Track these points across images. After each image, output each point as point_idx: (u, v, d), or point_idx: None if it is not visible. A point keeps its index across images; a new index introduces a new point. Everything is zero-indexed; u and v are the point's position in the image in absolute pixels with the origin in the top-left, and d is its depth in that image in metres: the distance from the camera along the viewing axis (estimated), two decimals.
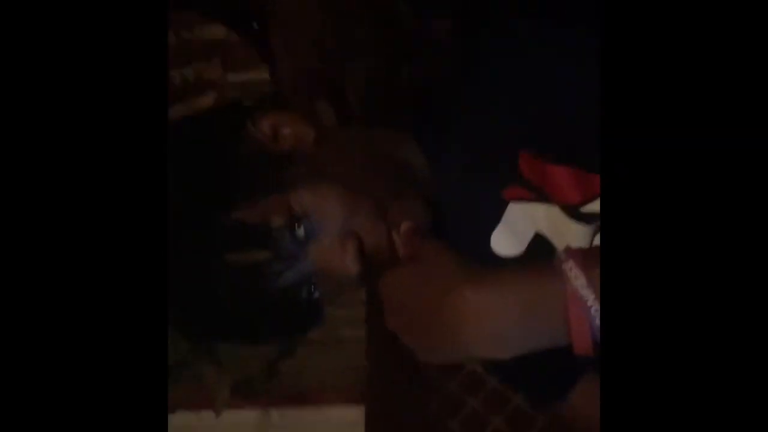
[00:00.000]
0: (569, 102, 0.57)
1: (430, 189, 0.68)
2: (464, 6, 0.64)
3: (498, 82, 0.62)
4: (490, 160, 0.63)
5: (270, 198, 0.63)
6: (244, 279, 0.62)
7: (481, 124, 0.63)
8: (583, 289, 0.47)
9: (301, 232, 0.62)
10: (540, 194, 0.62)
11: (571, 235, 0.62)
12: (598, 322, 0.46)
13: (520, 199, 0.64)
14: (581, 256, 0.49)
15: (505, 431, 1.25)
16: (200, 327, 0.67)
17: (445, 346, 0.52)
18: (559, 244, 0.64)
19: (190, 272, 0.61)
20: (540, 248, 0.64)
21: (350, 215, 0.63)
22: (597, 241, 0.62)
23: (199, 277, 0.62)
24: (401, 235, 0.62)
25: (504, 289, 0.49)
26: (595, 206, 0.61)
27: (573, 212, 0.62)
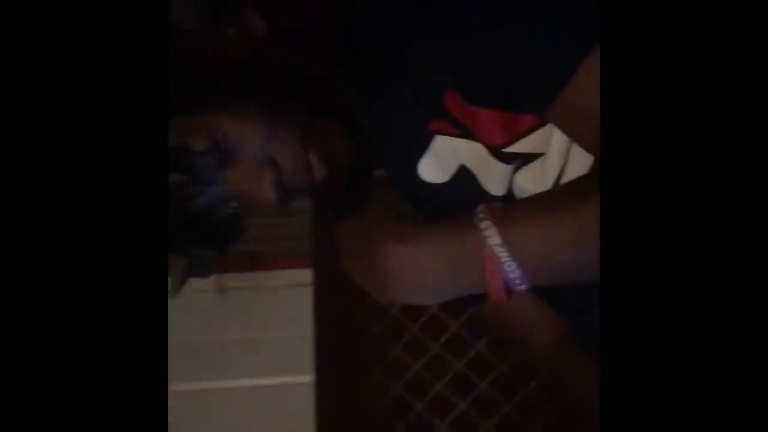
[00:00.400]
0: (496, 46, 0.58)
1: (359, 121, 0.70)
2: None
3: (431, 27, 0.62)
4: (420, 93, 0.65)
5: (189, 119, 0.63)
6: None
7: (412, 63, 0.64)
8: (497, 247, 0.52)
9: (218, 156, 0.63)
10: (465, 131, 0.65)
11: (494, 172, 0.66)
12: (512, 275, 0.52)
13: (446, 133, 0.66)
14: (497, 214, 0.53)
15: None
16: None
17: (379, 291, 0.57)
18: (482, 178, 0.67)
19: None
20: (465, 181, 0.67)
21: (269, 140, 0.64)
22: (517, 179, 0.65)
23: None
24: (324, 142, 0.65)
25: (426, 245, 0.55)
26: (516, 147, 0.63)
27: (496, 152, 0.64)
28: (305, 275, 1.20)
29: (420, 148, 0.68)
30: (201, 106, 0.64)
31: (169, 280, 0.92)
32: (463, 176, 0.68)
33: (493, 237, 0.52)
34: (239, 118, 0.64)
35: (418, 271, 0.54)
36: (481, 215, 0.53)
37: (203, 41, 0.68)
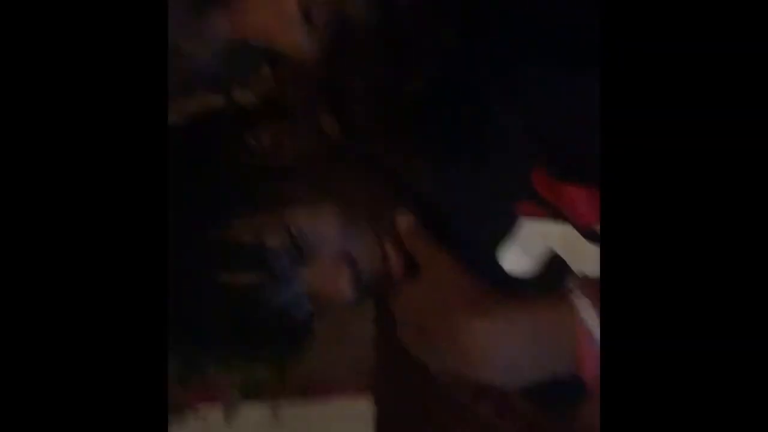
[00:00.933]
0: (581, 121, 0.55)
1: (433, 199, 0.67)
2: (470, 16, 0.61)
3: (509, 96, 0.61)
4: (502, 174, 0.62)
5: (265, 215, 0.61)
6: (237, 299, 0.61)
7: (491, 138, 0.62)
8: (591, 320, 0.48)
9: (295, 253, 0.61)
10: (554, 212, 0.61)
11: (586, 255, 0.61)
12: None
13: (533, 215, 0.62)
14: (590, 286, 0.49)
15: None
16: (194, 345, 0.66)
17: (454, 368, 0.53)
18: (574, 263, 0.62)
19: (184, 290, 0.60)
20: (554, 267, 0.63)
21: (346, 235, 0.62)
22: None
23: (193, 295, 0.61)
24: (402, 235, 0.62)
25: (513, 319, 0.51)
26: None
27: (588, 232, 0.60)
28: (366, 407, 1.13)
29: (503, 233, 0.64)
30: (276, 201, 0.63)
31: (222, 404, 0.87)
32: (551, 261, 0.63)
33: (588, 313, 0.47)
34: (315, 213, 0.62)
35: (500, 348, 0.50)
36: (574, 289, 0.49)
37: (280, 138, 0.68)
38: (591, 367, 0.48)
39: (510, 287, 0.65)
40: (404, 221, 0.64)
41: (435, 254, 0.63)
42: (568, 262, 0.62)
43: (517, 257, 0.64)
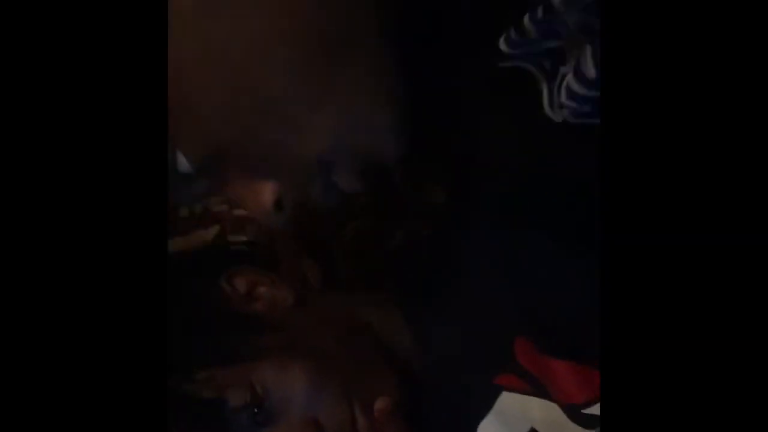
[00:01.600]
0: (573, 293, 0.53)
1: (412, 366, 0.63)
2: (458, 178, 0.61)
3: (495, 259, 0.58)
4: (484, 341, 0.58)
5: (230, 369, 0.58)
6: None
7: (475, 301, 0.59)
8: None
9: (257, 414, 0.57)
10: (537, 387, 0.56)
11: None
12: None
13: (515, 389, 0.58)
14: None
15: None
16: None
17: None
18: None
19: None
20: None
21: (315, 396, 0.58)
22: None
23: None
24: (376, 416, 0.58)
25: None
26: (597, 408, 0.55)
27: (573, 413, 0.55)
28: None
29: (483, 405, 0.59)
30: (244, 355, 0.59)
31: None
32: None
33: None
34: (286, 371, 0.59)
35: None
36: None
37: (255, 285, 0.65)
38: None
39: None
40: (381, 402, 0.59)
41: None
42: None
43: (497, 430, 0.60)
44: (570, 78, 0.44)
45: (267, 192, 0.48)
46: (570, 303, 0.53)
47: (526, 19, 0.42)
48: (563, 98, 0.45)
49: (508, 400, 0.58)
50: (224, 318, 0.61)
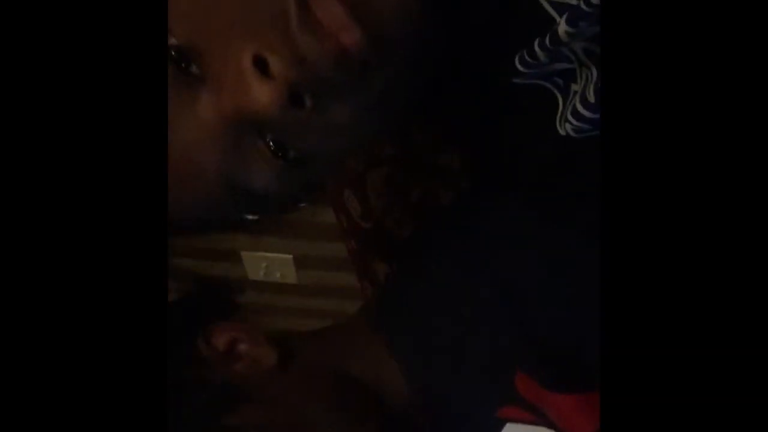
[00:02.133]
0: (570, 323, 0.51)
1: (406, 412, 0.57)
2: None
3: (499, 288, 0.54)
4: (484, 376, 0.55)
5: None
6: None
7: (473, 335, 0.55)
8: None
9: None
10: (542, 418, 0.53)
11: None
12: None
13: (519, 420, 0.55)
14: None
15: None
16: None
17: None
18: None
19: None
20: None
21: None
22: None
23: None
24: None
25: None
26: None
27: None
28: None
29: None
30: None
31: None
32: None
33: None
34: None
35: None
36: None
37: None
38: None
39: None
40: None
41: None
42: None
43: None
44: (578, 98, 0.45)
45: None
46: (569, 328, 0.51)
47: (535, 45, 0.44)
48: (569, 115, 0.46)
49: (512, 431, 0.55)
50: (198, 389, 0.55)
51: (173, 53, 0.42)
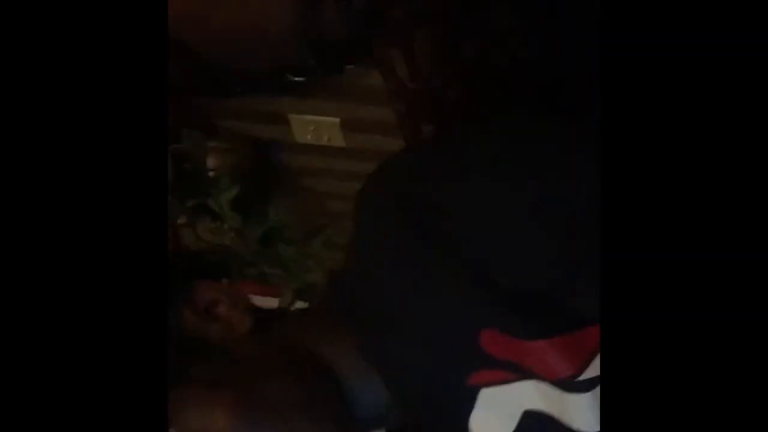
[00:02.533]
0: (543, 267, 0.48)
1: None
2: None
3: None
4: (447, 344, 0.52)
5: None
6: None
7: (433, 301, 0.52)
8: None
9: None
10: (518, 371, 0.50)
11: (572, 408, 0.50)
12: None
13: (492, 382, 0.52)
14: None
15: None
16: None
17: None
18: (562, 417, 0.51)
19: None
20: (536, 423, 0.52)
21: None
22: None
23: None
24: None
25: None
26: (593, 370, 0.48)
27: (568, 385, 0.49)
28: None
29: (465, 408, 0.53)
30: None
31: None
32: (533, 421, 0.52)
33: None
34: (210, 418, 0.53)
35: None
36: None
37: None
38: None
39: None
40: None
41: None
42: (556, 418, 0.51)
43: (487, 426, 0.53)
44: None
45: None
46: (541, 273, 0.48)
47: None
48: None
49: (490, 396, 0.52)
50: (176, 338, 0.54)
51: None
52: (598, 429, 0.49)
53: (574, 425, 0.50)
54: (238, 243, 1.34)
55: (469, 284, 0.49)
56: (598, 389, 0.49)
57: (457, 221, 0.50)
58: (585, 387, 0.48)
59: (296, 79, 0.84)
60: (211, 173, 1.29)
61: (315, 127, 1.22)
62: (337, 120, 1.19)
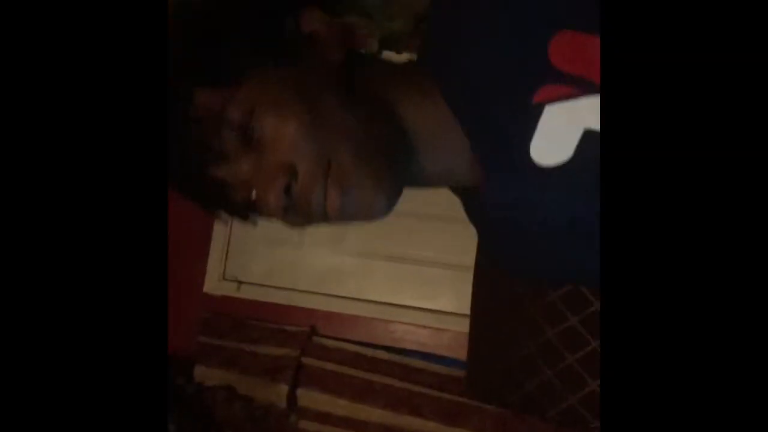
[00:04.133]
0: None
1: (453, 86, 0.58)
2: None
3: None
4: (512, 57, 0.53)
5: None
6: None
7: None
8: None
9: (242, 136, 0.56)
10: (582, 85, 0.51)
11: None
12: None
13: (557, 99, 0.52)
14: None
15: None
16: None
17: None
18: None
19: None
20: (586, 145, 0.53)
21: (299, 142, 0.55)
22: None
23: None
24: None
25: None
26: None
27: None
28: None
29: (528, 128, 0.54)
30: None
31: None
32: (593, 142, 0.52)
33: None
34: (279, 108, 0.55)
35: None
36: None
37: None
38: None
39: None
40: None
41: None
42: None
43: (548, 149, 0.54)
44: None
45: None
46: None
47: None
48: None
49: (553, 114, 0.53)
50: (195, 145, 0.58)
51: None
52: None
53: None
54: None
55: None
56: None
57: None
58: None
59: None
60: None
61: None
62: None
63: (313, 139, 0.55)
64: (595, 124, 0.51)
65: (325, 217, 0.56)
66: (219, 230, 1.96)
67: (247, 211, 0.59)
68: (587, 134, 0.52)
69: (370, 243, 1.88)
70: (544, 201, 0.56)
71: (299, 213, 0.56)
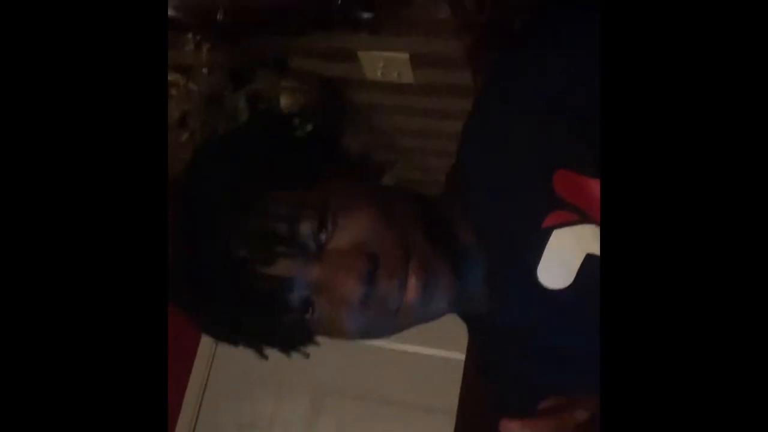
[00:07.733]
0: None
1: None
2: None
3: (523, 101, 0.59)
4: (525, 189, 0.58)
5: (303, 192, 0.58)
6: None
7: (510, 152, 0.59)
8: None
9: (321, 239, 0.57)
10: (583, 215, 0.56)
11: None
12: None
13: (563, 223, 0.57)
14: None
15: None
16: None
17: None
18: None
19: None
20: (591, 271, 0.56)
21: (378, 230, 0.57)
22: None
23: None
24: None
25: None
26: None
27: None
28: None
29: (537, 250, 0.58)
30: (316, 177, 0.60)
31: None
32: (594, 264, 0.55)
33: None
34: (354, 199, 0.58)
35: None
36: None
37: None
38: None
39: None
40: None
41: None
42: None
43: (554, 270, 0.58)
44: None
45: None
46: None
47: None
48: None
49: (560, 237, 0.57)
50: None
51: None
52: None
53: None
54: None
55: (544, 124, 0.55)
56: None
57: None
58: None
59: (365, 15, 0.84)
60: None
61: (384, 63, 1.22)
62: (407, 55, 1.19)
63: (392, 226, 0.56)
64: (592, 248, 0.55)
65: (397, 312, 0.56)
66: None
67: (293, 328, 0.59)
68: (589, 257, 0.55)
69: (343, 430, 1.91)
70: (549, 324, 0.59)
71: (373, 305, 0.55)
